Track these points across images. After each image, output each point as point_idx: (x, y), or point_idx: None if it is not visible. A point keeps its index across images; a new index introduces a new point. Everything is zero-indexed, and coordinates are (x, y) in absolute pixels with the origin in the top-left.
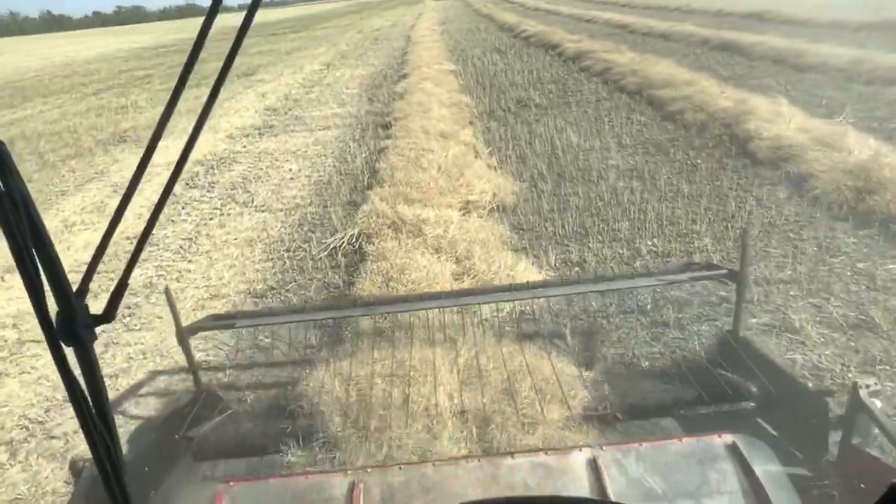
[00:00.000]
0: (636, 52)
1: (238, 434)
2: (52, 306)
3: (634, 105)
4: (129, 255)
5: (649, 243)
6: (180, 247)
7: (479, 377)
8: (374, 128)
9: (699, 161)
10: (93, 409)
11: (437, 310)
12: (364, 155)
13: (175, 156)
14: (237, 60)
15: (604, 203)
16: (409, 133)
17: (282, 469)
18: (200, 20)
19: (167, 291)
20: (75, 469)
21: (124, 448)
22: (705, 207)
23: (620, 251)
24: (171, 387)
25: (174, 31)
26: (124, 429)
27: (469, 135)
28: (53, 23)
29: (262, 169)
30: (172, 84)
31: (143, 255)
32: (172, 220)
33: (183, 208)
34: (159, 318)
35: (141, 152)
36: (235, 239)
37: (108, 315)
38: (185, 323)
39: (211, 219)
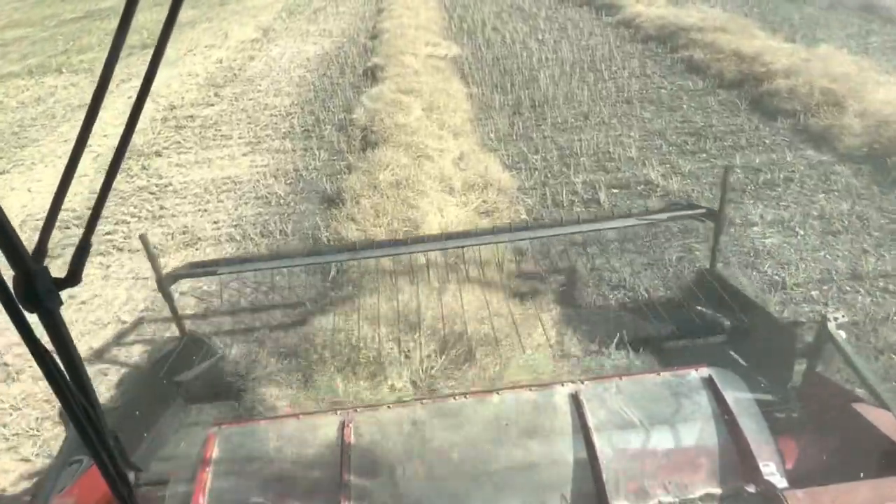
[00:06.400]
0: (777, 35)
1: (226, 377)
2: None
3: None
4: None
5: None
6: None
7: (461, 311)
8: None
9: None
10: (67, 377)
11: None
12: None
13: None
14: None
15: None
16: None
17: (271, 410)
18: None
19: (144, 239)
20: (65, 418)
21: (112, 393)
22: None
23: None
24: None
25: None
26: (111, 376)
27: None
28: None
29: None
30: None
31: None
32: None
33: None
34: None
35: None
36: None
37: (73, 277)
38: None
39: None
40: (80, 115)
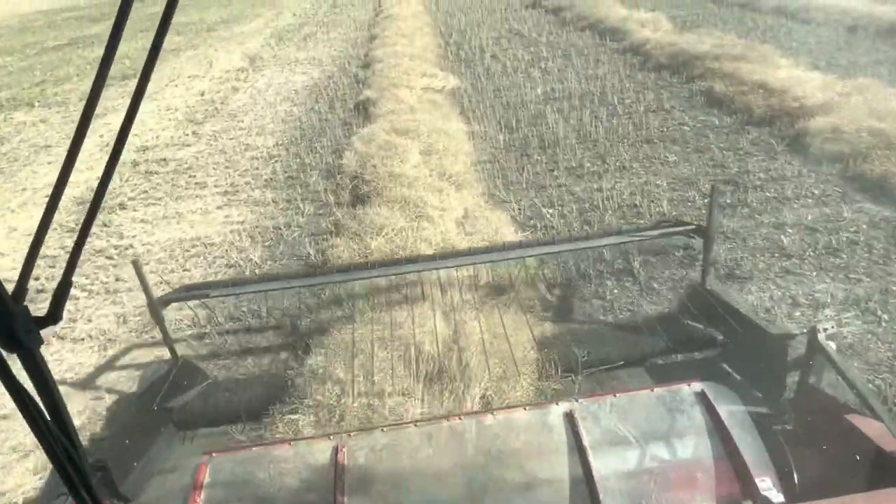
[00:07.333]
0: (799, 62)
1: (218, 403)
2: None
3: None
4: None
5: None
6: None
7: (455, 338)
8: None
9: None
10: (48, 418)
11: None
12: None
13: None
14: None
15: None
16: None
17: (264, 437)
18: None
19: (136, 263)
20: None
21: (103, 421)
22: None
23: None
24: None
25: None
26: (102, 402)
27: None
28: None
29: None
30: None
31: None
32: None
33: None
34: None
35: None
36: None
37: (53, 316)
38: (157, 294)
39: None
40: (45, 158)
